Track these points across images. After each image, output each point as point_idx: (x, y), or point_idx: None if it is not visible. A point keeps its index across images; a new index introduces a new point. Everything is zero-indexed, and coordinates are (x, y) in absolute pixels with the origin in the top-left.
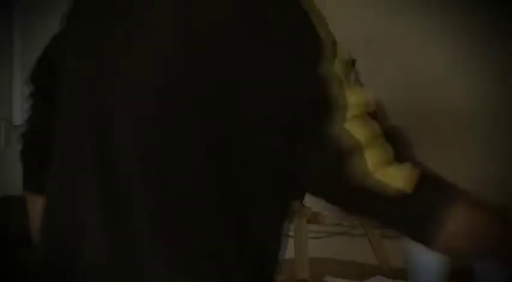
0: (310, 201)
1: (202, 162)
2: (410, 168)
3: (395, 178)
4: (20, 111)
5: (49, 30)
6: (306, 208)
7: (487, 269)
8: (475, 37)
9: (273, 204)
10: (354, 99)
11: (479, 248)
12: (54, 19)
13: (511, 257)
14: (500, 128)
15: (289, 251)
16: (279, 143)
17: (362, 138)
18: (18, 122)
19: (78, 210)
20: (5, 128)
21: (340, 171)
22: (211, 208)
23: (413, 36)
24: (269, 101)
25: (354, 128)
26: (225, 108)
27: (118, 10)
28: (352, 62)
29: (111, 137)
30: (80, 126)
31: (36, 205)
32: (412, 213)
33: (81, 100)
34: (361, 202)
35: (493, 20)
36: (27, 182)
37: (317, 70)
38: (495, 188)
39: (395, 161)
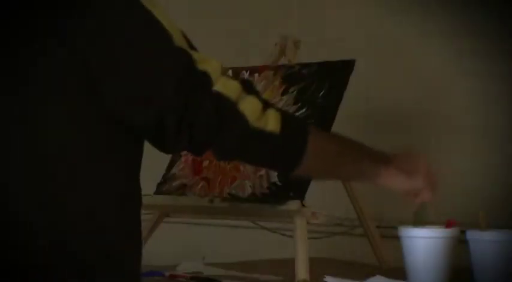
0: (310, 201)
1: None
2: (275, 113)
3: (268, 123)
4: None
5: None
6: (306, 208)
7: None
8: (475, 37)
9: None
10: (210, 66)
11: (331, 165)
12: None
13: (355, 175)
14: (500, 128)
15: (289, 251)
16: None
17: (232, 95)
18: None
19: None
20: None
21: (225, 124)
22: None
23: (413, 36)
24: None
25: (223, 89)
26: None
27: None
28: (352, 62)
29: None
30: None
31: None
32: (283, 148)
33: None
34: (245, 148)
35: (493, 19)
36: None
37: (174, 53)
38: (495, 187)
39: (264, 107)
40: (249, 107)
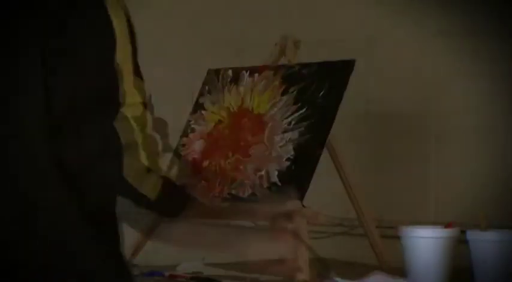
0: (310, 201)
1: None
2: (156, 178)
3: (146, 186)
4: None
5: None
6: (306, 208)
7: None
8: (475, 37)
9: None
10: (137, 94)
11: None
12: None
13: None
14: (500, 127)
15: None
16: None
17: (140, 135)
18: None
19: None
20: None
21: (119, 164)
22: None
23: (413, 36)
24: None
25: (135, 125)
26: None
27: None
28: (352, 62)
29: None
30: None
31: None
32: (170, 203)
33: None
34: (130, 193)
35: (494, 19)
36: None
37: (106, 65)
38: (495, 187)
39: (147, 170)
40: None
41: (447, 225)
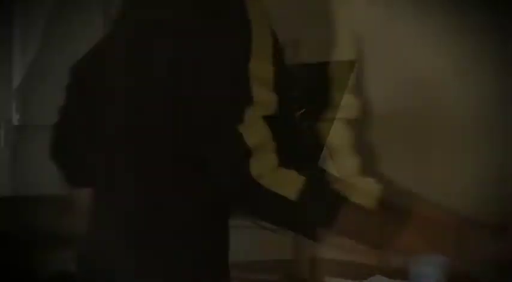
0: None
1: None
2: (295, 175)
3: (281, 184)
4: (20, 111)
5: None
6: None
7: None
8: (475, 37)
9: None
10: (260, 99)
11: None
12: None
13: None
14: (500, 127)
15: (289, 251)
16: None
17: (256, 141)
18: (18, 122)
19: None
20: (4, 128)
21: (246, 168)
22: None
23: (413, 36)
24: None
25: (252, 130)
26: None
27: None
28: (352, 62)
29: None
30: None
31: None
32: (296, 218)
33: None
34: (263, 202)
35: (494, 19)
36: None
37: (242, 68)
38: (495, 187)
39: (281, 166)
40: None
41: None
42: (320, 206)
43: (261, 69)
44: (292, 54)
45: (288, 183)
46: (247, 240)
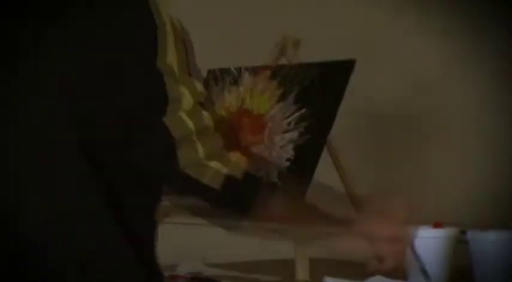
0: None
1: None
2: (238, 156)
3: (207, 175)
4: None
5: None
6: None
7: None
8: (476, 36)
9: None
10: (186, 90)
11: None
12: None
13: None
14: (500, 127)
15: (289, 251)
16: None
17: (193, 128)
18: None
19: None
20: None
21: (174, 159)
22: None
23: (413, 35)
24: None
25: (187, 119)
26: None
27: None
28: (352, 62)
29: None
30: None
31: None
32: (238, 195)
33: None
34: (193, 186)
35: (493, 19)
36: None
37: (153, 66)
38: (495, 187)
39: (224, 149)
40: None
41: (435, 225)
42: (244, 192)
43: (169, 64)
44: (292, 54)
45: (213, 174)
46: (247, 240)
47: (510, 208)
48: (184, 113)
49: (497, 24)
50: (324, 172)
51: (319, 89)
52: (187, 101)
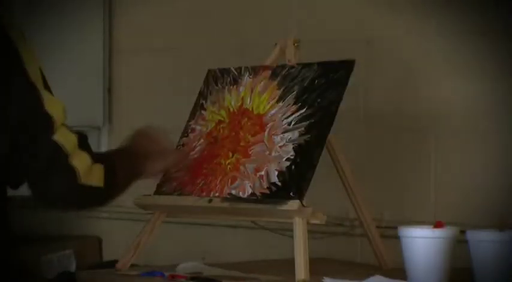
0: (310, 201)
1: None
2: (101, 167)
3: (94, 178)
4: None
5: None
6: (306, 208)
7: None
8: (476, 37)
9: None
10: (56, 111)
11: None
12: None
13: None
14: (500, 127)
15: (289, 251)
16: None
17: (68, 147)
18: None
19: None
20: None
21: (54, 175)
22: None
23: (413, 36)
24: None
25: (62, 139)
26: None
27: None
28: (352, 62)
29: None
30: None
31: None
32: (104, 197)
33: None
34: (70, 199)
35: (493, 19)
36: None
37: (24, 88)
38: (495, 187)
39: (93, 162)
40: (80, 163)
41: (436, 225)
42: (115, 186)
43: (40, 81)
44: (292, 54)
45: (97, 175)
46: (248, 240)
47: (510, 208)
48: (58, 133)
49: (499, 24)
50: (324, 172)
51: (319, 89)
52: (58, 120)
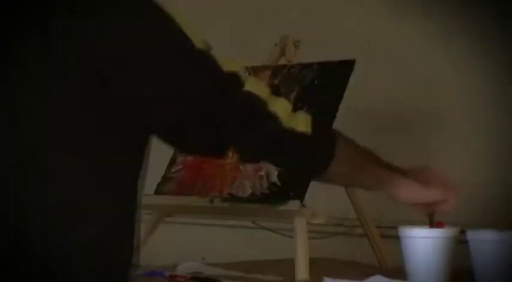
0: (310, 201)
1: None
2: (305, 115)
3: (299, 124)
4: None
5: None
6: (306, 208)
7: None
8: (476, 37)
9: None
10: (236, 67)
11: (353, 171)
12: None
13: (372, 182)
14: (501, 127)
15: (289, 251)
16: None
17: (263, 95)
18: None
19: None
20: None
21: (256, 123)
22: None
23: (413, 36)
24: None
25: (253, 89)
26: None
27: None
28: (352, 62)
29: None
30: None
31: None
32: (314, 149)
33: None
34: (275, 147)
35: (493, 19)
36: None
37: (198, 54)
38: (494, 187)
39: (292, 110)
40: (280, 107)
41: (437, 225)
42: (330, 140)
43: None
44: (292, 54)
45: (303, 121)
46: (248, 240)
47: (510, 208)
48: (248, 84)
49: (499, 24)
50: None
51: (319, 89)
52: (243, 73)
